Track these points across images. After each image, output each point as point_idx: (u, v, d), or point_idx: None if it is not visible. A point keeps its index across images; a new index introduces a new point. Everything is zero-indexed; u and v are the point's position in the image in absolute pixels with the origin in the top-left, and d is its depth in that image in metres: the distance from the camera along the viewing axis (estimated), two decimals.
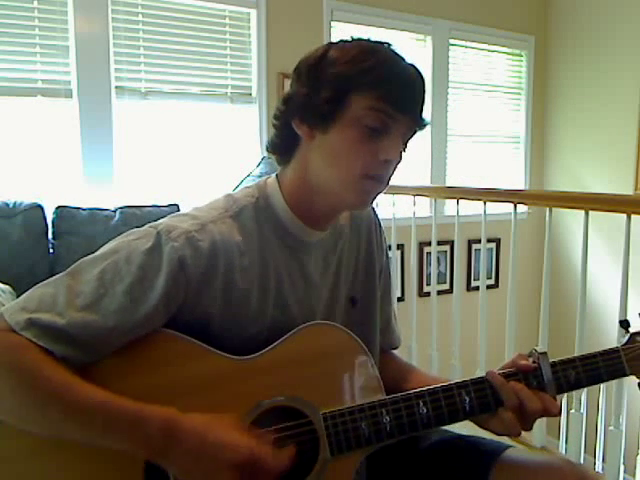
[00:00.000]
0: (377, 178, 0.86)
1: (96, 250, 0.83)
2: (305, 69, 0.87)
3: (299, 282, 0.92)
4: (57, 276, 0.80)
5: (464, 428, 0.95)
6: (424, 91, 0.87)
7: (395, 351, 1.15)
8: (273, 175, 0.95)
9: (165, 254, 0.80)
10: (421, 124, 0.88)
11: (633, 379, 0.92)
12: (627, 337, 0.91)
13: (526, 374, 0.87)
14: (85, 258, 0.82)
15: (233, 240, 0.85)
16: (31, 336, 0.73)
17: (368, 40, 0.87)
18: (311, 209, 0.91)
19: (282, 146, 0.92)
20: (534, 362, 0.88)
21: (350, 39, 0.88)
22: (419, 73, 0.86)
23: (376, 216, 1.08)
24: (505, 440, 0.95)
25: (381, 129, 0.83)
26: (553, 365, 0.87)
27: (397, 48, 0.87)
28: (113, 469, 0.78)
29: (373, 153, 0.84)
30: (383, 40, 0.87)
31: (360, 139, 0.83)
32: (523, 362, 0.88)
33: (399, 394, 0.85)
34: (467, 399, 0.86)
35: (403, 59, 0.86)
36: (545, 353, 0.87)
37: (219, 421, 0.76)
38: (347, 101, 0.83)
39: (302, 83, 0.86)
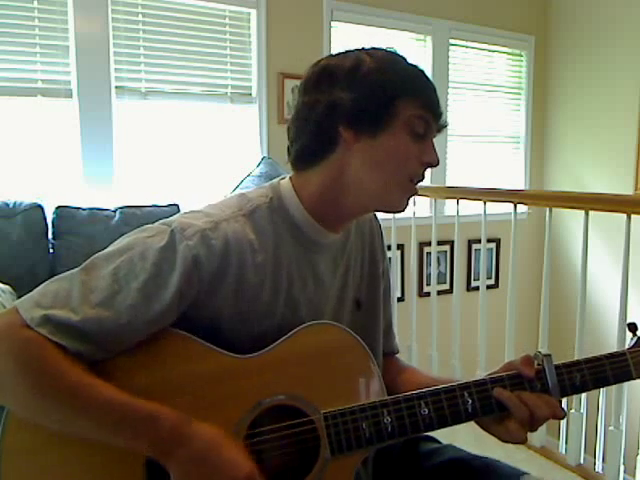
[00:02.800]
0: (417, 181, 0.90)
1: (104, 248, 0.83)
2: (345, 74, 0.86)
3: (310, 282, 0.92)
4: (71, 271, 0.80)
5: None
6: None
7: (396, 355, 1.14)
8: (287, 177, 0.94)
9: (179, 252, 0.79)
10: (442, 127, 0.92)
11: None
12: (634, 340, 0.90)
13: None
14: (99, 254, 0.82)
15: (246, 238, 0.85)
16: (46, 332, 0.74)
17: (384, 49, 0.90)
18: (333, 212, 0.91)
19: (318, 151, 0.89)
20: (538, 365, 0.87)
21: (370, 48, 0.90)
22: None
23: (376, 219, 1.08)
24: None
25: (423, 134, 0.87)
26: (558, 367, 0.87)
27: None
28: (117, 463, 0.79)
29: (418, 157, 0.87)
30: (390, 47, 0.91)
31: (409, 144, 0.86)
32: (527, 370, 0.86)
33: (401, 394, 0.85)
34: (469, 401, 0.85)
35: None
36: (549, 355, 0.87)
37: (226, 438, 0.77)
38: (396, 107, 0.85)
39: (343, 88, 0.85)
